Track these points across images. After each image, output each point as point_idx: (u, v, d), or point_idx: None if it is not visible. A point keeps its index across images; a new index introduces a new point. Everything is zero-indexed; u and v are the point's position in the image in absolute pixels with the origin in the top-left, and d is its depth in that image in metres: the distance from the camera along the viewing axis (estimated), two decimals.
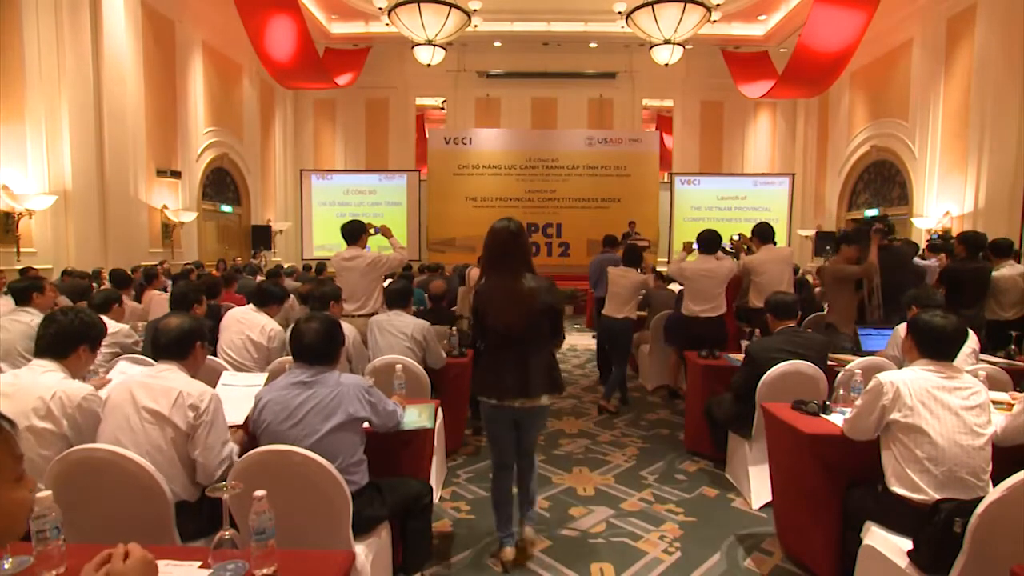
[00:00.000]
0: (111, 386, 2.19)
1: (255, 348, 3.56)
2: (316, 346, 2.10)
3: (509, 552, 2.58)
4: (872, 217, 5.35)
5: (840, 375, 2.89)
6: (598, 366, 6.09)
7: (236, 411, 2.26)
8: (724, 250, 4.93)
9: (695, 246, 4.78)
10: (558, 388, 2.56)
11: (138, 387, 1.97)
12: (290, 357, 3.29)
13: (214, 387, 2.11)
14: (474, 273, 4.26)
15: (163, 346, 2.06)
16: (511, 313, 2.42)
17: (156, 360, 2.10)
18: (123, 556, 1.07)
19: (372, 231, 4.43)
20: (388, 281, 4.49)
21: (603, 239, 6.55)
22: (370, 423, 2.17)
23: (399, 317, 3.64)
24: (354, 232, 4.32)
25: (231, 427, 2.19)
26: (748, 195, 13.51)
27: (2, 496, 0.88)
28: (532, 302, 2.42)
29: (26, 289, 3.81)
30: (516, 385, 2.44)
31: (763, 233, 4.80)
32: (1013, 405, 2.33)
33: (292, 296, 5.21)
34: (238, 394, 2.51)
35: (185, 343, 2.08)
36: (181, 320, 2.12)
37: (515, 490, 2.72)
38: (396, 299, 3.74)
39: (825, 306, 5.63)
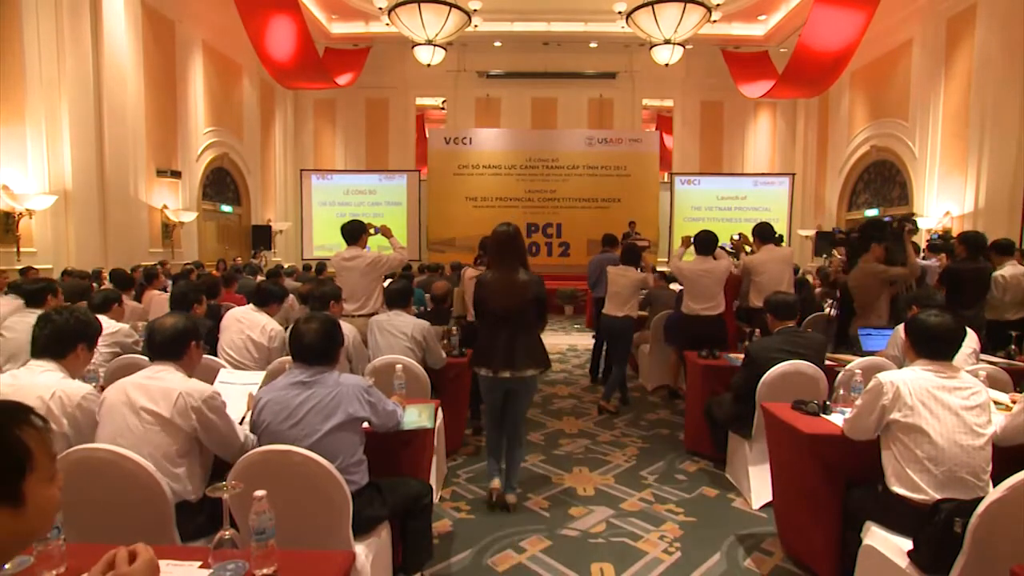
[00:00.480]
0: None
1: (256, 348, 3.56)
2: (315, 346, 2.10)
3: (497, 482, 3.15)
4: (903, 217, 5.30)
5: (840, 375, 2.88)
6: (591, 369, 6.01)
7: (233, 408, 2.26)
8: (724, 250, 4.93)
9: (694, 240, 4.81)
10: (542, 363, 3.05)
11: (134, 388, 1.96)
12: (290, 357, 3.31)
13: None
14: (469, 273, 4.29)
15: (158, 345, 2.06)
16: (507, 299, 2.98)
17: (152, 360, 2.09)
18: (127, 558, 1.06)
19: (372, 231, 4.42)
20: (388, 281, 4.49)
21: (602, 238, 6.30)
22: (370, 423, 2.17)
23: (399, 317, 3.64)
24: (354, 232, 4.32)
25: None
26: (748, 195, 13.51)
27: (40, 494, 0.88)
28: (525, 292, 2.98)
29: (42, 291, 3.79)
30: (505, 359, 2.97)
31: (764, 233, 4.80)
32: (1013, 406, 2.33)
33: (292, 296, 5.22)
34: (235, 392, 2.51)
35: (180, 343, 2.07)
36: (175, 320, 2.11)
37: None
38: (396, 299, 3.75)
39: (826, 306, 5.62)
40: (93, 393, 2.03)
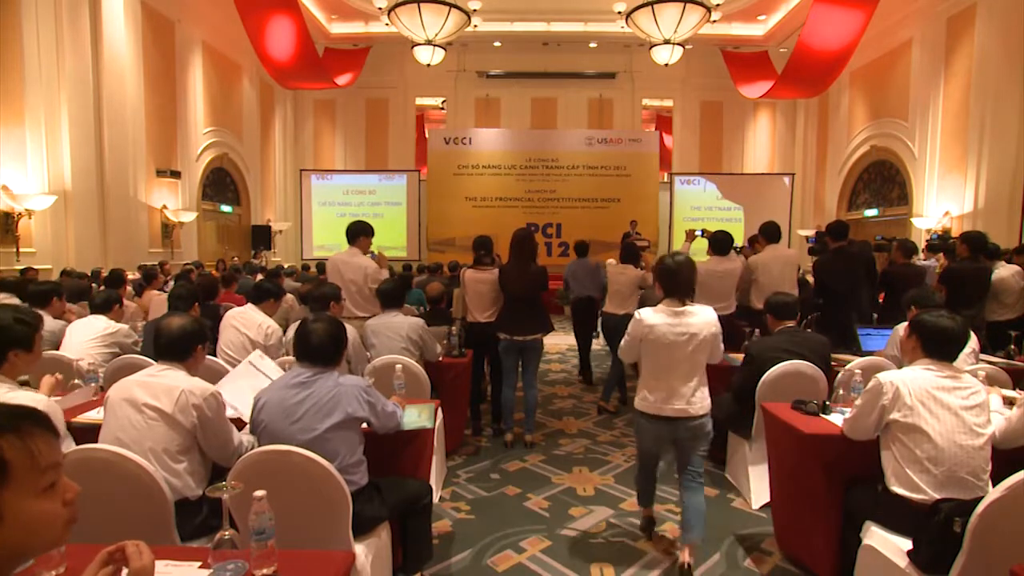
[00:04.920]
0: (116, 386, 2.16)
1: (254, 347, 3.55)
2: (322, 347, 2.11)
3: (509, 436, 4.10)
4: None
5: (840, 375, 2.88)
6: (581, 370, 6.04)
7: (249, 399, 2.25)
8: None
9: (698, 233, 4.85)
10: (546, 329, 4.03)
11: (137, 386, 1.98)
12: (289, 357, 3.32)
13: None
14: (468, 274, 4.29)
15: (163, 346, 2.07)
16: (520, 283, 4.01)
17: (156, 359, 2.10)
18: (138, 552, 1.04)
19: (369, 255, 4.34)
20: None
21: (575, 246, 6.22)
22: (369, 424, 2.18)
23: (393, 318, 3.63)
24: (356, 233, 4.27)
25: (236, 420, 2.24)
26: None
27: (24, 509, 0.83)
28: (533, 278, 4.02)
29: (48, 293, 3.79)
30: (519, 326, 3.97)
31: (770, 233, 4.80)
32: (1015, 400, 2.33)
33: (292, 296, 5.21)
34: (261, 383, 2.48)
35: (186, 345, 2.08)
36: (183, 321, 2.12)
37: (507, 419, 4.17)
38: (389, 300, 3.72)
39: None
40: (50, 404, 1.91)
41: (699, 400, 2.49)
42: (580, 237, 7.24)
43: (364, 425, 2.16)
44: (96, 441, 1.88)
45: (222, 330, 3.64)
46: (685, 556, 2.49)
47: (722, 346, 2.59)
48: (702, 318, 2.48)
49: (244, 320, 3.60)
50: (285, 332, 3.72)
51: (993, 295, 4.72)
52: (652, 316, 2.48)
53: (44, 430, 0.89)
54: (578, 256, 6.06)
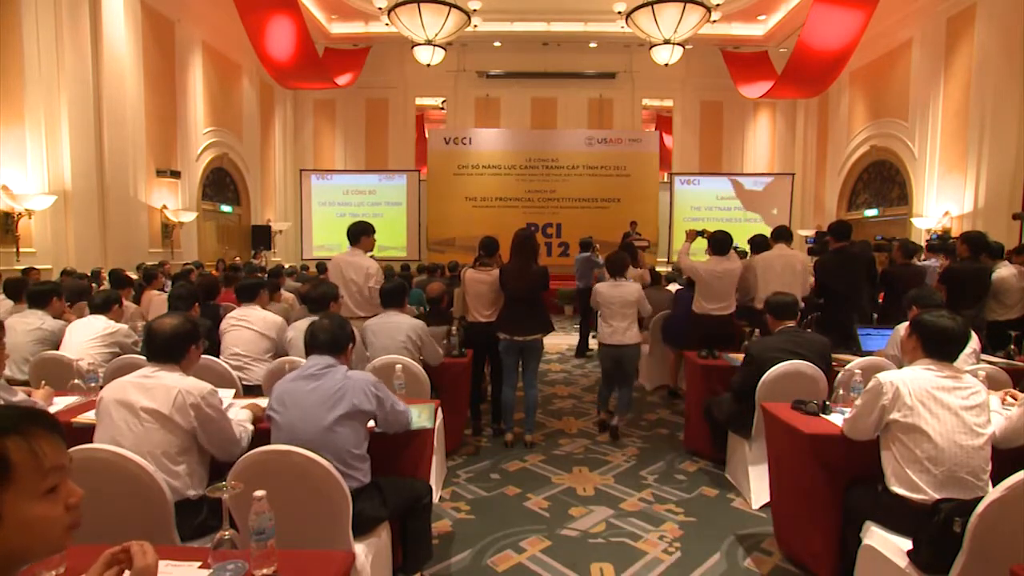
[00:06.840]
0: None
1: (262, 340, 3.59)
2: (326, 337, 2.17)
3: (509, 436, 4.12)
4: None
5: (840, 375, 2.88)
6: (580, 344, 7.37)
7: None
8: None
9: (698, 234, 4.86)
10: (547, 329, 4.07)
11: (133, 388, 1.96)
12: (289, 357, 3.33)
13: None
14: (469, 274, 4.28)
15: (157, 348, 2.05)
16: (521, 283, 4.02)
17: (150, 361, 2.07)
18: (143, 551, 1.03)
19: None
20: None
21: (580, 243, 7.65)
22: (375, 420, 2.18)
23: (393, 318, 3.62)
24: (357, 234, 4.27)
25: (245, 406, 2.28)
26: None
27: (25, 511, 0.82)
28: (534, 278, 4.04)
29: (48, 293, 3.78)
30: (520, 326, 3.98)
31: (778, 233, 4.87)
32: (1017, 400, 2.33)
33: (292, 296, 5.21)
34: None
35: (179, 345, 2.06)
36: (175, 322, 2.09)
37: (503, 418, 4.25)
38: (390, 299, 3.70)
39: None
40: None
41: (630, 336, 4.15)
42: (580, 237, 7.82)
43: (371, 424, 2.17)
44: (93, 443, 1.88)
45: (224, 331, 3.63)
46: (614, 420, 4.26)
47: (648, 304, 4.28)
48: (629, 288, 4.17)
49: (249, 318, 3.62)
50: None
51: (993, 295, 4.73)
52: (602, 286, 4.22)
53: (49, 432, 0.87)
54: (581, 251, 7.53)
